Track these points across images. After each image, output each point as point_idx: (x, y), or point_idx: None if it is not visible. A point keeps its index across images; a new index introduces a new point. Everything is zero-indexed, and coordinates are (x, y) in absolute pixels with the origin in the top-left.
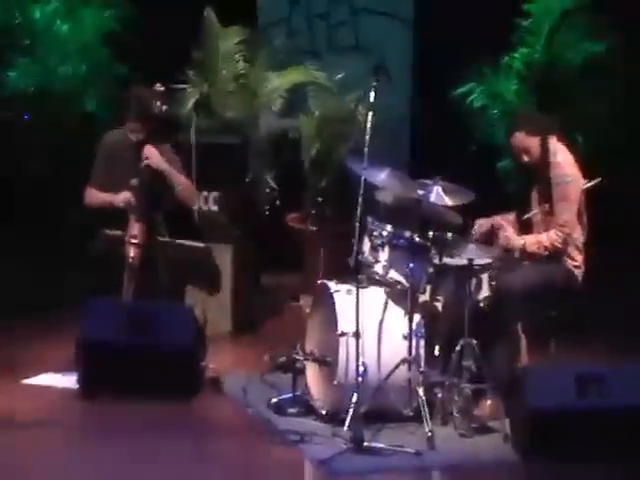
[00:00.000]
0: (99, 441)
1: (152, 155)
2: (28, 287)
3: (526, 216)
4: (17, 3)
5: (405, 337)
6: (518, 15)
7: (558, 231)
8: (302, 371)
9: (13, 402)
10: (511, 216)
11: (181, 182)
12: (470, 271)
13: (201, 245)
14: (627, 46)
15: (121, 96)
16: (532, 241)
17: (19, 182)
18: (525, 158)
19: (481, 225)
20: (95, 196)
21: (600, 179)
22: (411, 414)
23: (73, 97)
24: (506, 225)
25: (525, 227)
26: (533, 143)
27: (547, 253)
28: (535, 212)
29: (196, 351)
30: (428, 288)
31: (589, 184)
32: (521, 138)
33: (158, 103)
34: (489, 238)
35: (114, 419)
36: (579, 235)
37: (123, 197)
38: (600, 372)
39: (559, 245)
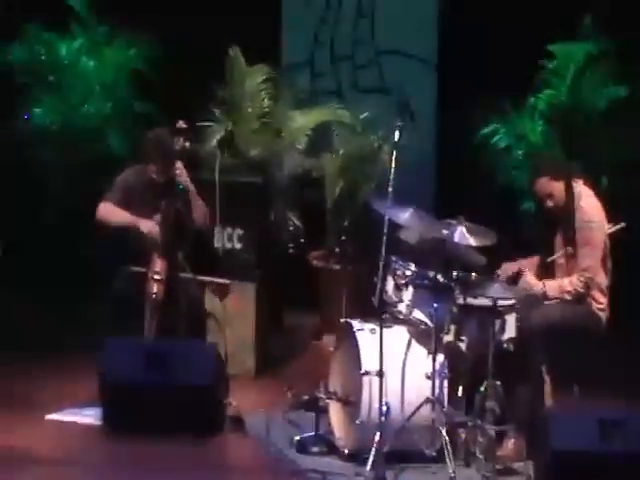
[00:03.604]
0: (119, 479)
1: (183, 172)
2: (46, 322)
3: (550, 259)
4: (42, 39)
5: (428, 377)
6: (543, 56)
7: (580, 276)
8: (325, 410)
9: (36, 438)
10: (536, 260)
11: (200, 205)
12: (494, 312)
13: (224, 282)
14: None
15: (141, 138)
16: (554, 286)
17: (40, 218)
18: (549, 203)
19: (507, 269)
20: (115, 212)
21: (624, 224)
22: (434, 454)
23: (96, 134)
24: (526, 271)
25: (548, 270)
26: (557, 188)
27: (569, 298)
28: (558, 255)
29: (218, 389)
30: (452, 328)
31: (613, 229)
32: (544, 183)
33: (181, 140)
34: (514, 282)
35: (136, 457)
36: (603, 279)
37: (150, 226)
38: (624, 416)
39: (581, 290)
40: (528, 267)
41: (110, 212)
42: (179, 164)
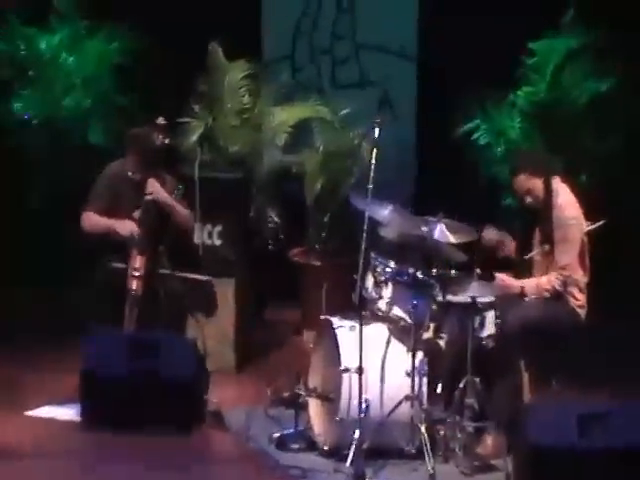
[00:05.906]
0: (100, 473)
1: (156, 189)
2: (28, 317)
3: (527, 256)
4: (22, 34)
5: (408, 374)
6: (523, 53)
7: (558, 274)
8: (305, 406)
9: (15, 434)
10: (513, 243)
11: (181, 212)
12: (473, 309)
13: (204, 278)
14: (631, 85)
15: (122, 133)
16: (531, 285)
17: (22, 213)
18: (528, 199)
19: (489, 234)
20: (96, 221)
21: (604, 221)
22: (413, 451)
23: (77, 129)
24: (501, 275)
25: (525, 267)
26: (536, 184)
27: (547, 295)
28: (536, 252)
29: (198, 384)
30: (431, 325)
31: (592, 226)
32: (523, 180)
33: (160, 136)
34: (494, 249)
35: (115, 451)
36: (581, 276)
37: (129, 227)
38: (603, 410)
39: (559, 288)
40: (500, 277)
41: (92, 222)
42: (152, 182)
